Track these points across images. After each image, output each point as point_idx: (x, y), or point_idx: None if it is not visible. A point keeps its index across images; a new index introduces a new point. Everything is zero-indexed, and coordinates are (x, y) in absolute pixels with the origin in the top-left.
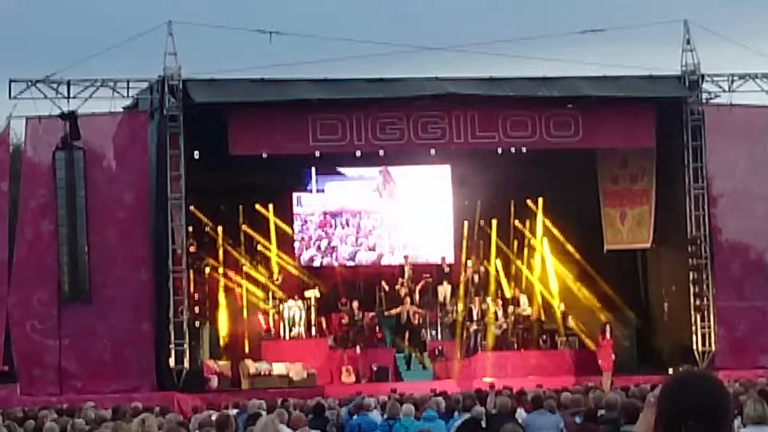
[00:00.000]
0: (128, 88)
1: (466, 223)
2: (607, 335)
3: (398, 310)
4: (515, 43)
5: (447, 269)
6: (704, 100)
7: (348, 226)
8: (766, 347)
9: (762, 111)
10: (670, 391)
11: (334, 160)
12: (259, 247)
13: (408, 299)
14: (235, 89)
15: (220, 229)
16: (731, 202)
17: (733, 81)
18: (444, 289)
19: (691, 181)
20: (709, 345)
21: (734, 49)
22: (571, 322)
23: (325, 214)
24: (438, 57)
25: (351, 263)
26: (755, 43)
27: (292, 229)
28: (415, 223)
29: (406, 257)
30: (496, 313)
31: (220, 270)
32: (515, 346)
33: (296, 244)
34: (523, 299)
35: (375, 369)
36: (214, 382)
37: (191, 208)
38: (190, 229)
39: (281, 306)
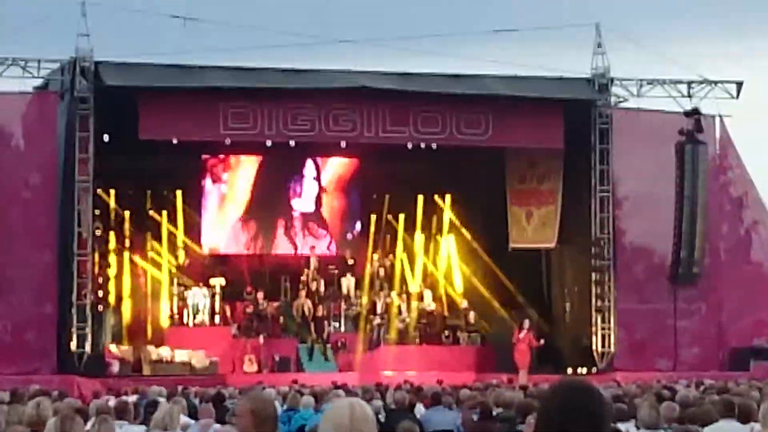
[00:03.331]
0: (39, 68)
1: (373, 216)
2: (525, 330)
3: (302, 301)
4: (429, 39)
5: (351, 261)
6: (613, 104)
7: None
8: (665, 350)
9: (669, 117)
10: (548, 402)
11: (243, 148)
12: (166, 233)
13: (311, 291)
14: (148, 74)
15: (127, 213)
16: (636, 206)
17: (642, 86)
18: (348, 282)
19: (597, 183)
20: (609, 346)
21: (644, 55)
22: (473, 319)
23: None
24: (352, 50)
25: (258, 251)
26: (665, 49)
27: (200, 215)
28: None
29: (312, 248)
30: (399, 307)
31: (126, 255)
32: (418, 340)
33: (203, 231)
34: (428, 294)
35: (277, 359)
36: (116, 367)
37: (98, 191)
38: (97, 212)
39: (186, 293)
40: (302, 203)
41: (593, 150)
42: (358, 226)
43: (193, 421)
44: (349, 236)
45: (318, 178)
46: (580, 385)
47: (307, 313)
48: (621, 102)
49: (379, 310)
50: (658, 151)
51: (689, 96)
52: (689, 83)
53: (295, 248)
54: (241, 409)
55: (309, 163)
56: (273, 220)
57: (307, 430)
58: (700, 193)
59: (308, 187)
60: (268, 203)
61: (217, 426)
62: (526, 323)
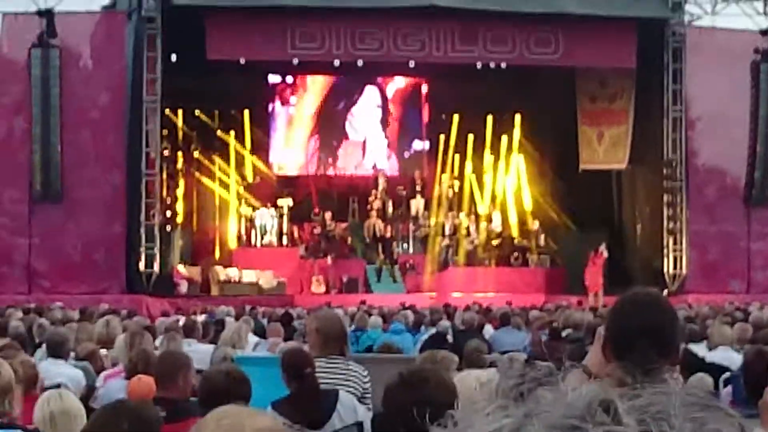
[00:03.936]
0: None
1: (442, 137)
2: (603, 254)
3: (372, 221)
4: None
5: (420, 182)
6: (687, 22)
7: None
8: (737, 272)
9: (744, 35)
10: (619, 312)
11: (311, 68)
12: (234, 154)
13: (374, 212)
14: None
15: (194, 133)
16: (709, 126)
17: (716, 3)
18: (417, 203)
19: (670, 103)
20: (680, 268)
21: None
22: (543, 241)
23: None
24: None
25: (324, 171)
26: None
27: (268, 136)
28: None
29: (378, 169)
30: (468, 228)
31: (194, 175)
32: (487, 262)
33: (271, 152)
34: (497, 216)
35: (345, 280)
36: (184, 287)
37: (166, 111)
38: (165, 132)
39: (254, 213)
40: (370, 123)
41: (666, 69)
42: (424, 145)
43: (262, 340)
44: (410, 154)
45: (384, 98)
46: (648, 298)
47: (376, 234)
48: (695, 20)
49: (447, 231)
50: (732, 71)
51: (765, 14)
52: (766, 1)
53: (362, 168)
54: (309, 328)
55: (376, 83)
56: (340, 140)
57: (375, 350)
58: None
59: (376, 106)
60: (335, 124)
61: (285, 344)
62: (603, 246)
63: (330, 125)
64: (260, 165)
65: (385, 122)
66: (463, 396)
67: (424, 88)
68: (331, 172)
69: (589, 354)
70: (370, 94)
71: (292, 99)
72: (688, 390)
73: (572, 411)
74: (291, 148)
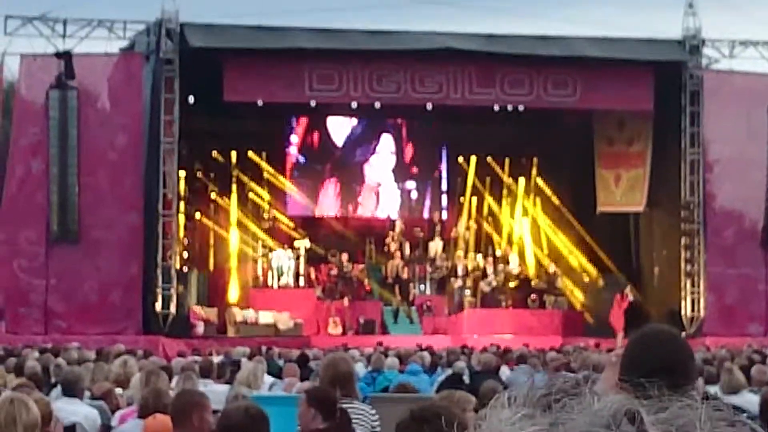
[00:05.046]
0: (125, 29)
1: (459, 179)
2: (628, 296)
3: (395, 262)
4: (516, 1)
5: (438, 224)
6: (704, 65)
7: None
8: (755, 315)
9: (761, 78)
10: (635, 348)
11: (329, 110)
12: (251, 195)
13: (398, 253)
14: (233, 35)
15: (212, 174)
16: (727, 169)
17: (734, 47)
18: (435, 245)
19: (687, 145)
20: (698, 311)
21: (736, 15)
22: (560, 283)
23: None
24: (437, 11)
25: (342, 214)
26: (757, 11)
27: (285, 177)
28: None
29: (396, 210)
30: (485, 270)
31: (211, 216)
32: (504, 304)
33: (288, 193)
34: (513, 257)
35: (362, 321)
36: (200, 328)
37: (184, 152)
38: (182, 173)
39: (270, 255)
40: (387, 165)
41: (683, 112)
42: (442, 187)
43: (278, 381)
44: (428, 196)
45: (402, 141)
46: (665, 334)
47: (393, 275)
48: (712, 63)
49: (464, 272)
50: (749, 114)
51: None
52: None
53: (379, 210)
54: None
55: (394, 126)
56: (357, 182)
57: (390, 390)
58: None
59: (390, 153)
60: (352, 166)
61: (301, 384)
62: (628, 289)
63: (348, 169)
64: (277, 206)
65: (401, 166)
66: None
67: (442, 131)
68: (349, 212)
69: (601, 379)
70: (386, 142)
71: (309, 139)
72: (714, 404)
73: (598, 420)
74: (308, 189)
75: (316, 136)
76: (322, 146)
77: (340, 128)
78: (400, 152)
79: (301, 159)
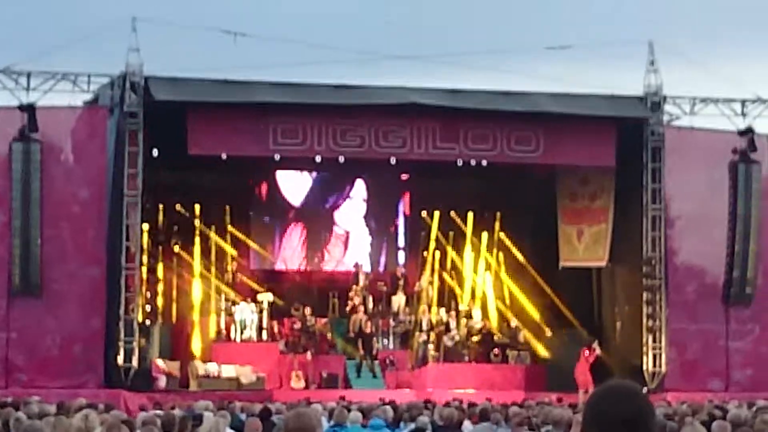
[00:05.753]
0: (89, 82)
1: (422, 233)
2: (596, 350)
3: (357, 317)
4: (479, 55)
5: (401, 279)
6: (665, 122)
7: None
8: (716, 371)
9: (723, 136)
10: (597, 403)
11: (293, 164)
12: (214, 248)
13: (361, 307)
14: (197, 88)
15: (175, 227)
16: (688, 225)
17: (695, 104)
18: (398, 299)
19: (649, 201)
20: (660, 366)
21: (698, 73)
22: (522, 337)
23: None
24: (401, 66)
25: (307, 264)
26: (719, 67)
27: (248, 231)
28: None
29: (359, 265)
30: (448, 324)
31: (174, 269)
32: (467, 358)
33: (251, 247)
34: (476, 312)
35: (325, 375)
36: (162, 381)
37: (147, 205)
38: (146, 227)
39: (233, 308)
40: (350, 220)
41: (645, 168)
42: (405, 241)
43: None
44: (391, 250)
45: (366, 195)
46: (626, 389)
47: (356, 329)
48: (673, 120)
49: (427, 327)
50: (711, 170)
51: (743, 115)
52: (743, 102)
53: (343, 265)
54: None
55: (358, 180)
56: (321, 236)
57: None
58: (754, 213)
59: (356, 204)
60: (316, 220)
61: None
62: (596, 343)
63: (315, 216)
64: (240, 260)
65: (368, 217)
66: None
67: (405, 185)
68: (312, 266)
69: None
70: (359, 188)
71: (272, 193)
72: None
73: None
74: (271, 243)
75: (277, 191)
76: (287, 198)
77: (293, 183)
78: (368, 204)
79: (266, 212)
